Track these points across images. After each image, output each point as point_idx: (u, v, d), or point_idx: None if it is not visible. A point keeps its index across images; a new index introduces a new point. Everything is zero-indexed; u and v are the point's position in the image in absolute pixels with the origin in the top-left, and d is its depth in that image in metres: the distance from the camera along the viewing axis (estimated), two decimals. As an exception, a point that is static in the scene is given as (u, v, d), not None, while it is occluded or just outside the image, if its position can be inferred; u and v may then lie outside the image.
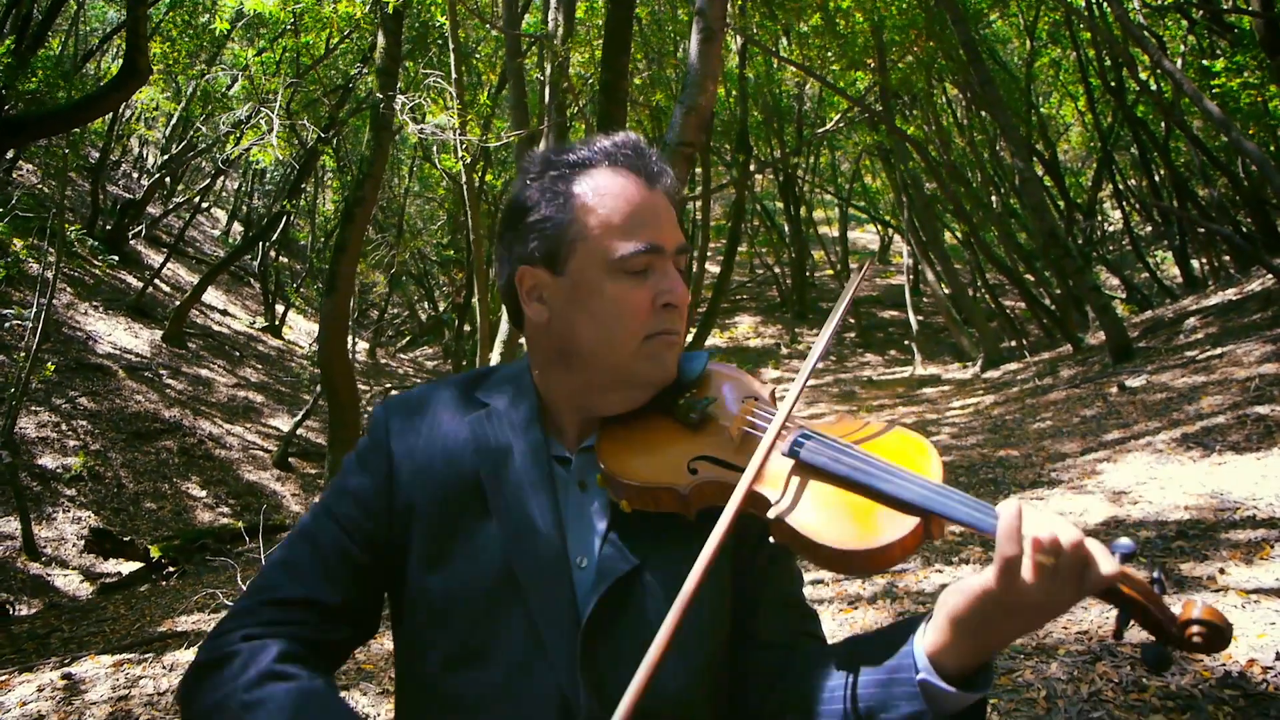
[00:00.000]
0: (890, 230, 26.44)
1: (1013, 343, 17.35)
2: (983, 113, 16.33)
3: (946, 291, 17.08)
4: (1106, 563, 0.78)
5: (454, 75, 7.88)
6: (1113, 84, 15.00)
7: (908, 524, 0.86)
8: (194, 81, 16.00)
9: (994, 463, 6.68)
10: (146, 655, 4.64)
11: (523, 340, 1.11)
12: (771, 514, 0.90)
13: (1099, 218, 21.55)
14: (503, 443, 1.02)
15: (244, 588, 5.53)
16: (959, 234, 19.89)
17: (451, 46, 7.97)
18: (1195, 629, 0.78)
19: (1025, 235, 18.51)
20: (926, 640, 0.85)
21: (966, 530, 4.60)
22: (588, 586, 0.96)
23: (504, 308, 1.10)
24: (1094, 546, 0.79)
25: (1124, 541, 0.81)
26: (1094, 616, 3.48)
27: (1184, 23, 14.64)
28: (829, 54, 14.45)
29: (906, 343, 19.18)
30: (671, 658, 0.89)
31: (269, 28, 15.47)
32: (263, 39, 16.38)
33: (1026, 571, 0.77)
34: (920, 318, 19.77)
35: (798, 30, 14.92)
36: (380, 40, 8.89)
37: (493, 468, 1.00)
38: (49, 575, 8.89)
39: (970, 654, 0.82)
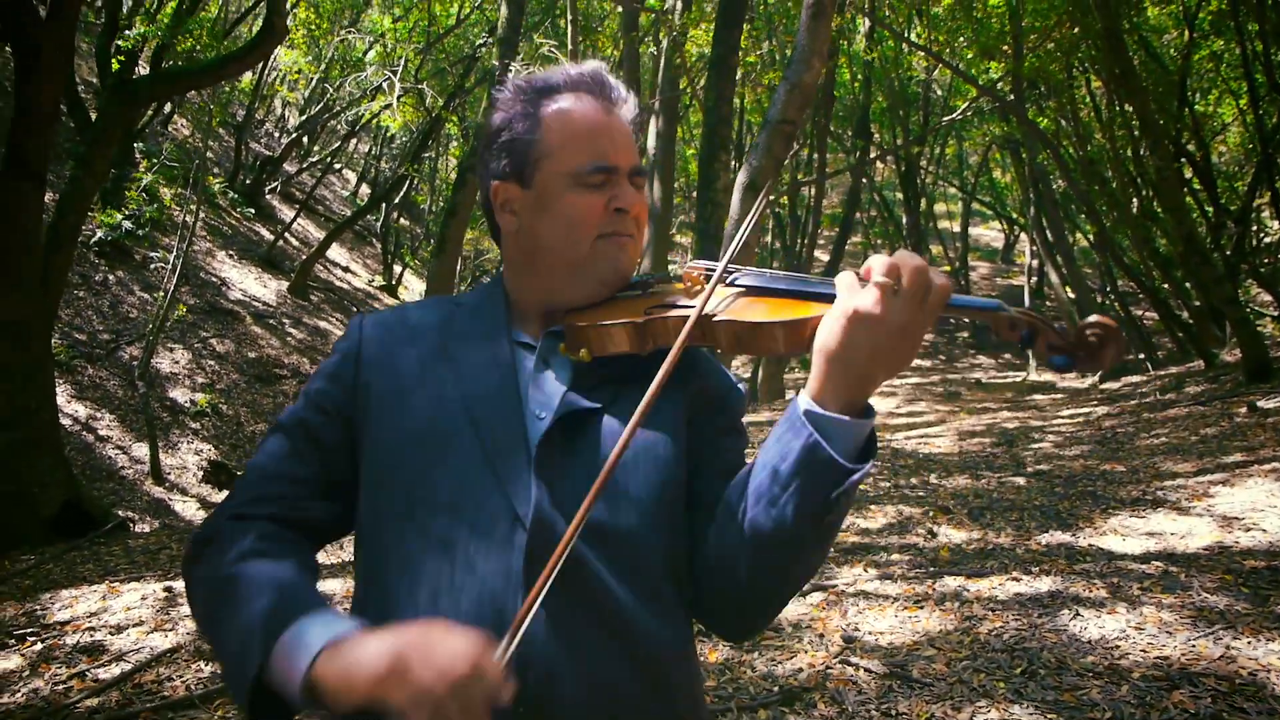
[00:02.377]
0: (1016, 228, 25.22)
1: (1140, 355, 16.31)
2: (1126, 107, 15.29)
3: (1071, 296, 16.20)
4: (940, 278, 0.87)
5: (569, 46, 7.95)
6: None
7: (826, 306, 0.95)
8: (333, 46, 16.74)
9: (1095, 475, 6.31)
10: (238, 579, 4.96)
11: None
12: (717, 318, 0.99)
13: (1254, 226, 19.89)
14: (468, 325, 1.12)
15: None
16: (1090, 236, 18.78)
17: (569, 17, 8.04)
18: (1091, 332, 0.86)
19: (1165, 241, 17.28)
20: (807, 389, 0.92)
21: (1052, 543, 4.35)
22: (544, 431, 1.02)
23: (488, 227, 1.21)
24: (920, 266, 0.87)
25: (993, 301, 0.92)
26: (1178, 643, 3.26)
27: (1370, 16, 13.26)
28: (961, 39, 13.82)
29: (1022, 348, 18.31)
30: (621, 484, 0.99)
31: (404, -3, 16.01)
32: (398, 6, 16.96)
33: (873, 292, 0.86)
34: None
35: (930, 13, 14.33)
36: (504, 11, 9.06)
37: (457, 341, 1.10)
38: (169, 500, 9.60)
39: (842, 387, 0.89)
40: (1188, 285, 15.06)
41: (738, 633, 1.09)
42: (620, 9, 13.82)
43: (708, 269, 1.12)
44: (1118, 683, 3.03)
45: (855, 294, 0.88)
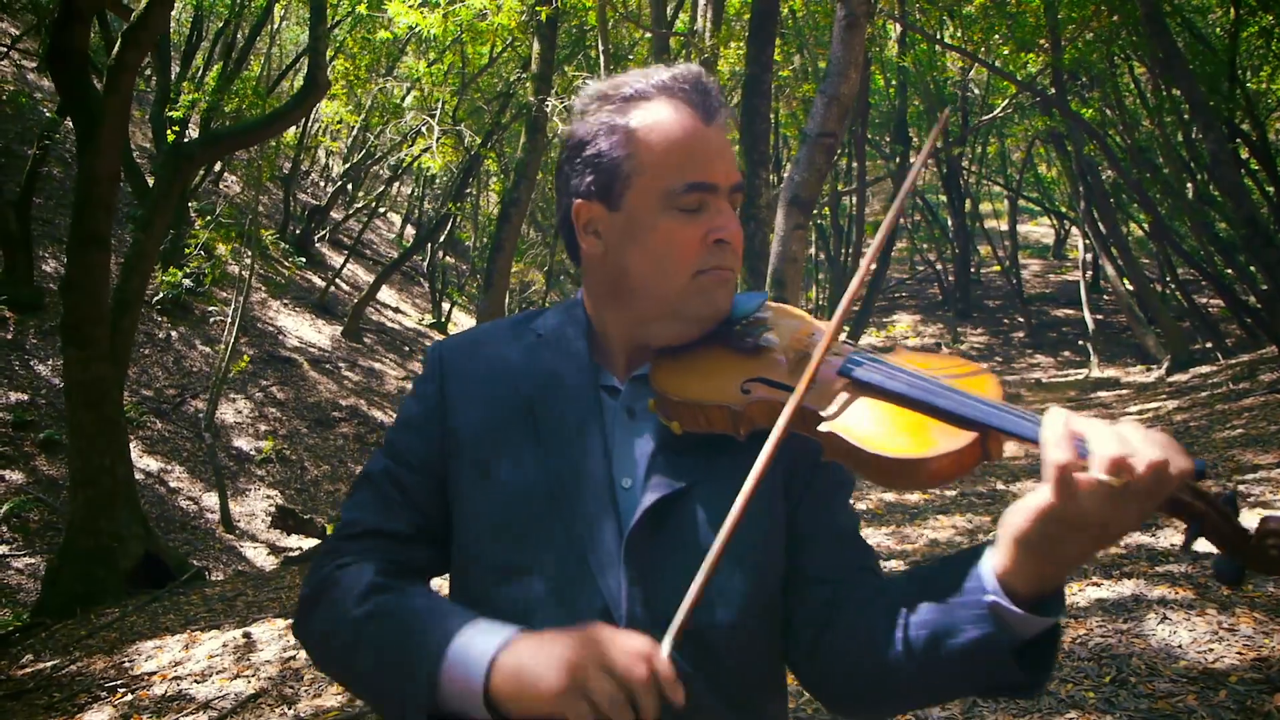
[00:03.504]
0: (1066, 223, 24.69)
1: (1207, 344, 15.76)
2: (1174, 91, 14.92)
3: (1129, 288, 15.76)
4: (1177, 465, 0.71)
5: (603, 76, 8.04)
6: (1333, 53, 13.32)
7: (964, 438, 0.83)
8: (372, 94, 17.21)
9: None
10: (312, 621, 5.05)
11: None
12: (824, 427, 0.89)
13: (1317, 204, 19.17)
14: (553, 366, 1.04)
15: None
16: (1145, 226, 18.28)
17: (601, 48, 8.16)
18: (1271, 541, 0.73)
19: (1225, 225, 16.75)
20: (994, 563, 0.81)
21: (1131, 545, 4.21)
22: (633, 505, 0.96)
23: (564, 246, 1.12)
24: (1155, 452, 0.71)
25: (1197, 461, 0.74)
26: (1276, 644, 3.12)
27: None
28: (996, 36, 13.65)
29: (1081, 343, 17.86)
30: (724, 579, 0.92)
31: (438, 41, 16.40)
32: (432, 50, 17.37)
33: (1085, 484, 0.72)
34: (1099, 317, 18.35)
35: (961, 13, 14.20)
36: (535, 46, 9.23)
37: (542, 389, 1.03)
38: (240, 546, 9.84)
39: (1038, 577, 0.78)
40: (1252, 269, 14.56)
41: (847, 715, 1.06)
42: (649, 35, 13.97)
43: (816, 338, 1.00)
44: (1214, 688, 2.91)
45: (1070, 494, 0.73)
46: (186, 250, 11.43)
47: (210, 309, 13.60)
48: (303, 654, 4.51)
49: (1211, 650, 3.16)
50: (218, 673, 4.33)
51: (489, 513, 0.99)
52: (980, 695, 0.87)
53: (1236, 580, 0.76)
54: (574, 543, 0.95)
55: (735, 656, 0.96)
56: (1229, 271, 15.53)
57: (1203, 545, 0.80)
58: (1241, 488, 5.28)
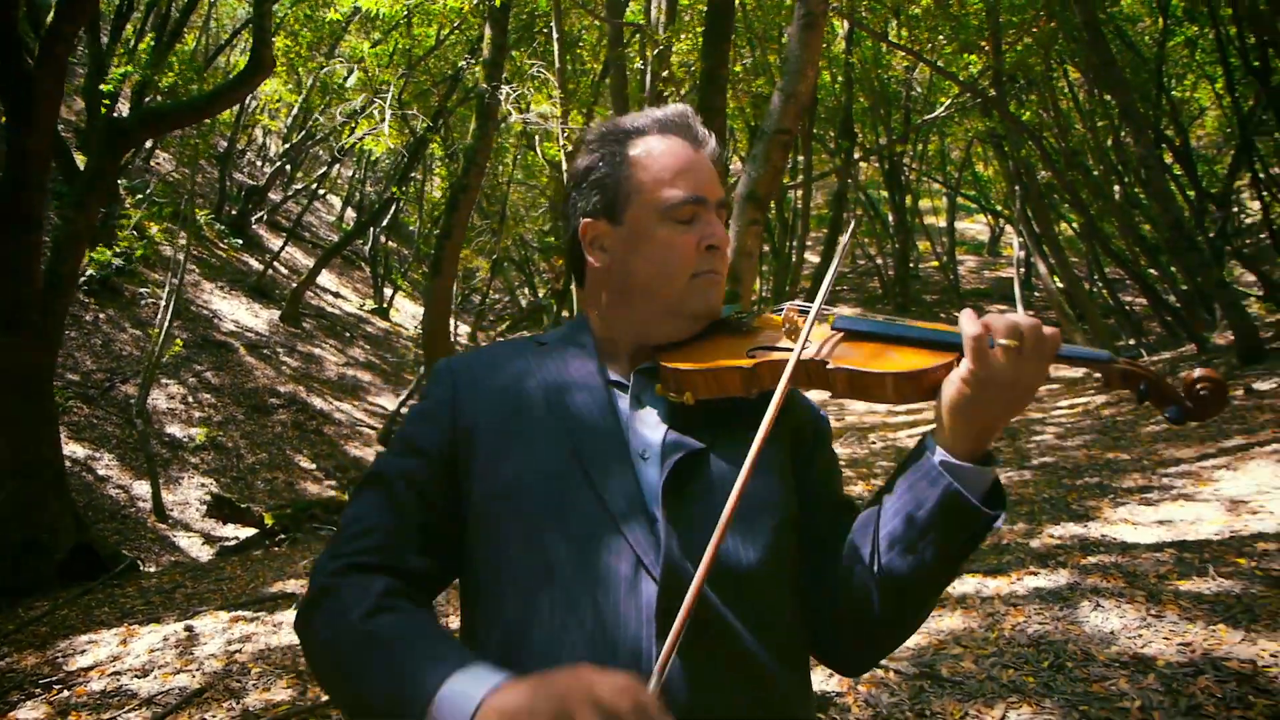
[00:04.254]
0: (1001, 221, 25.40)
1: (1131, 341, 16.42)
2: (1106, 96, 15.46)
3: (1060, 286, 16.32)
4: (1050, 330, 0.92)
5: (557, 65, 8.00)
6: (1255, 64, 13.92)
7: (947, 356, 0.99)
8: (313, 74, 16.77)
9: (1100, 465, 6.38)
10: (259, 613, 4.96)
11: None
12: (831, 366, 1.02)
13: (1235, 209, 20.08)
14: (562, 368, 1.13)
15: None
16: (1075, 226, 18.93)
17: (555, 36, 8.10)
18: (1200, 386, 0.92)
19: (1150, 227, 17.45)
20: (936, 439, 0.97)
21: (1065, 536, 4.39)
22: (654, 470, 1.03)
23: (567, 266, 1.24)
24: (1036, 325, 0.91)
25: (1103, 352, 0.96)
26: (1199, 629, 3.30)
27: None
28: (940, 37, 13.95)
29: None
30: (741, 529, 1.01)
31: (383, 21, 16.05)
32: (377, 31, 17.00)
33: (996, 352, 0.91)
34: (1031, 313, 18.90)
35: (908, 13, 14.47)
36: (487, 32, 9.11)
37: (553, 385, 1.10)
38: (174, 536, 9.56)
39: (969, 438, 0.95)
40: (1173, 270, 15.20)
41: (857, 668, 1.11)
42: (599, 23, 13.90)
43: (804, 309, 1.13)
44: (1144, 671, 3.07)
45: (983, 358, 0.91)
46: (117, 230, 11.00)
47: (141, 290, 13.13)
48: (249, 647, 4.43)
49: (1140, 636, 3.33)
50: (159, 667, 4.22)
51: (515, 482, 1.04)
52: (960, 554, 0.97)
53: (1181, 420, 0.94)
54: (598, 503, 1.00)
55: (760, 596, 1.01)
56: (1152, 271, 16.19)
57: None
58: (1165, 480, 5.55)
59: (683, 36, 10.19)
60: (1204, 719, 2.72)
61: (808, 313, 1.10)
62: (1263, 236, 19.13)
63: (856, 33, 16.48)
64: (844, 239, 1.33)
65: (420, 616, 0.99)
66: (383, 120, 9.07)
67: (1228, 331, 10.32)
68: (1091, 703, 2.92)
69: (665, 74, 8.22)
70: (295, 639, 4.52)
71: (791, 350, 1.03)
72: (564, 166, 8.77)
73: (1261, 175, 17.47)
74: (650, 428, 1.07)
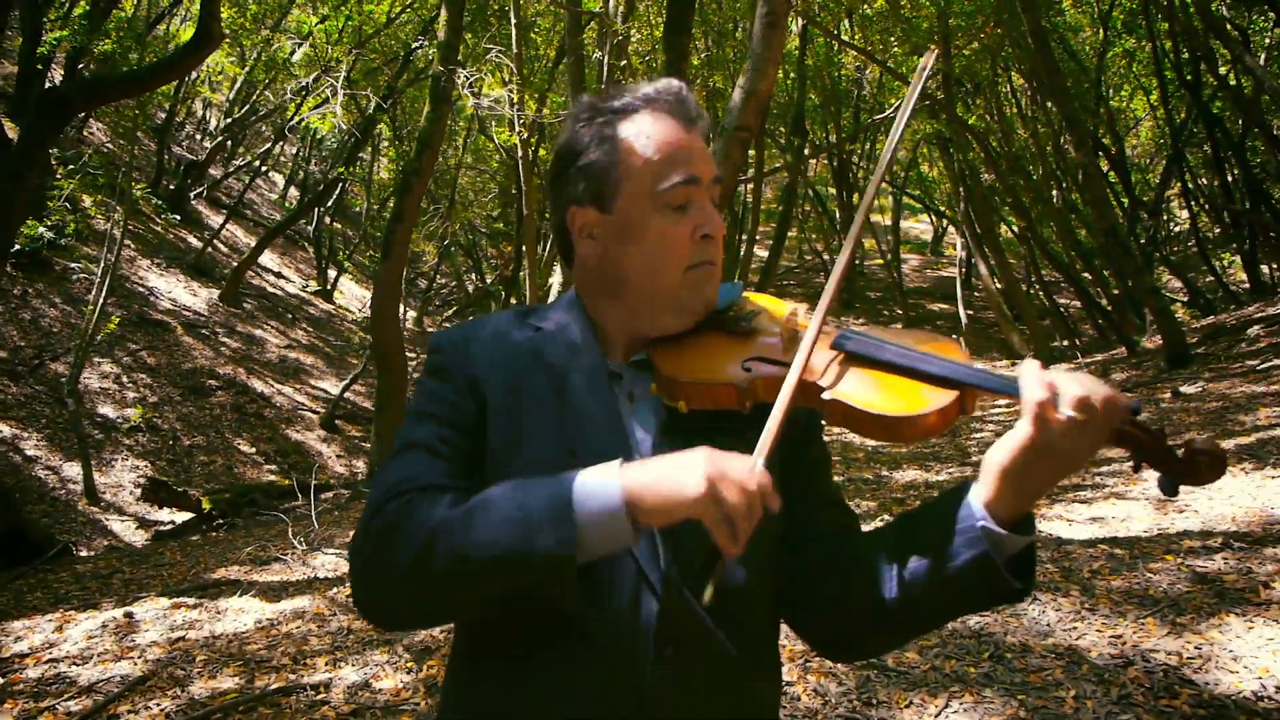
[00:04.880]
0: (944, 221, 25.97)
1: (1065, 342, 17.00)
2: (1048, 104, 15.93)
3: (999, 286, 16.78)
4: (1118, 402, 0.88)
5: (514, 50, 7.93)
6: (1189, 78, 14.51)
7: (947, 396, 0.97)
8: (258, 47, 16.29)
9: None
10: (201, 600, 4.86)
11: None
12: (826, 395, 1.00)
13: (1165, 217, 20.90)
14: (561, 353, 1.10)
15: (295, 542, 5.68)
16: (1015, 228, 19.49)
17: (513, 21, 8.02)
18: (1199, 458, 0.89)
19: (1085, 232, 18.08)
20: (979, 495, 0.94)
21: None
22: None
23: (557, 246, 1.19)
24: (1103, 391, 0.88)
25: (1134, 400, 0.91)
26: (1129, 622, 3.47)
27: (1270, 15, 14.08)
28: (891, 38, 14.20)
29: (955, 337, 18.90)
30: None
31: (333, -5, 15.68)
32: (326, 5, 16.58)
33: (1056, 419, 0.87)
34: (970, 312, 19.47)
35: (861, 13, 14.68)
36: (443, 13, 8.97)
37: (555, 372, 1.08)
38: (106, 520, 9.27)
39: (1015, 503, 0.92)
40: (1106, 274, 15.79)
41: (844, 659, 1.17)
42: (554, 9, 13.79)
43: (809, 313, 1.10)
44: (1078, 663, 3.22)
45: (1045, 426, 0.87)
46: (50, 202, 10.56)
47: (73, 265, 12.64)
48: (192, 634, 4.35)
49: (1075, 629, 3.49)
50: (98, 654, 4.11)
51: (523, 470, 1.02)
52: (978, 609, 1.01)
53: (1174, 491, 0.92)
54: None
55: (746, 610, 1.05)
56: (1086, 275, 16.78)
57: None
58: (1097, 479, 5.78)
59: (639, 28, 10.19)
60: (1133, 708, 2.86)
61: (811, 318, 1.07)
62: (1190, 245, 19.96)
63: (810, 30, 16.66)
64: (849, 244, 1.20)
65: (503, 482, 0.97)
66: (334, 99, 8.87)
67: (1157, 336, 10.75)
68: (1029, 692, 3.05)
69: (623, 64, 8.21)
70: (241, 626, 4.46)
71: (788, 366, 1.01)
72: (519, 153, 8.72)
73: (1190, 186, 18.23)
74: (644, 427, 1.07)
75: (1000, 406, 10.59)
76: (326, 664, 3.88)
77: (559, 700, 0.98)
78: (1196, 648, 3.20)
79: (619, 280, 1.09)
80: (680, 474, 0.88)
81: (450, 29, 8.77)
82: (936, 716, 2.96)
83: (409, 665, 3.80)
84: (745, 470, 0.89)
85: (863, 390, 1.00)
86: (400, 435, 1.08)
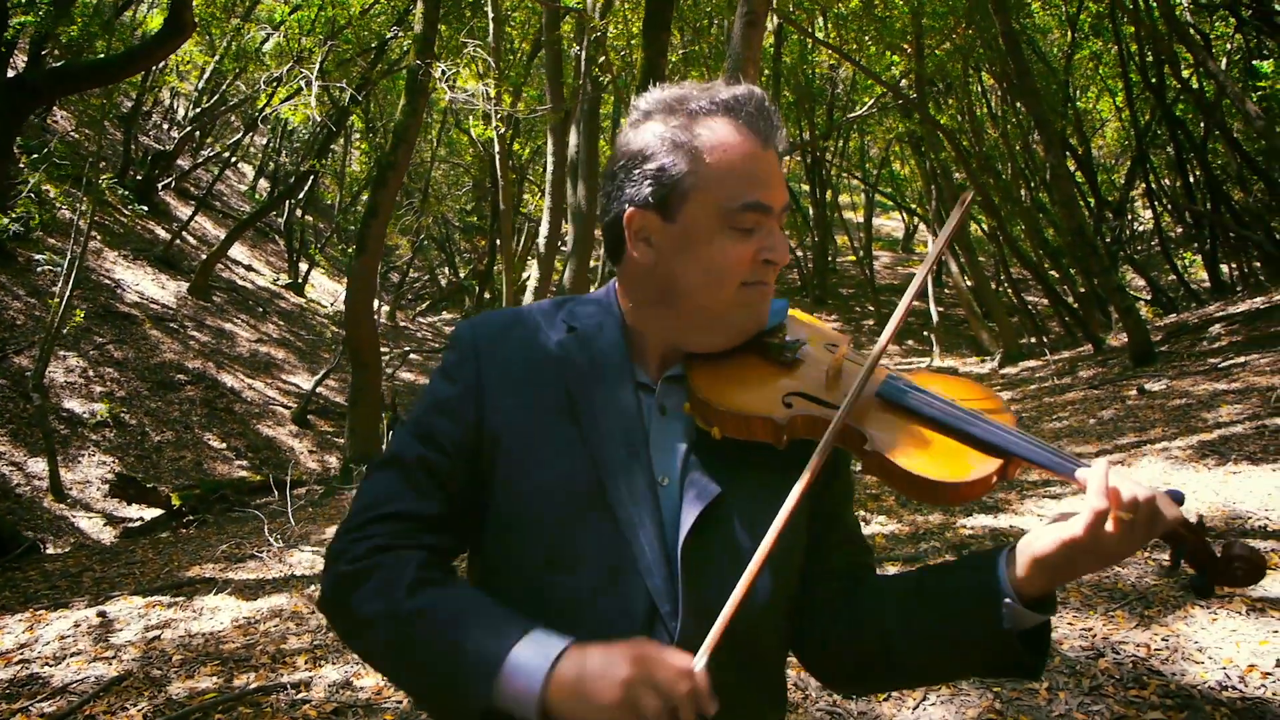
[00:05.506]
0: (915, 219, 26.24)
1: (1033, 339, 17.28)
2: (1017, 104, 16.17)
3: (969, 284, 17.02)
4: (1170, 513, 0.89)
5: (493, 45, 7.89)
6: (1153, 81, 14.80)
7: (991, 464, 0.95)
8: (228, 36, 16.05)
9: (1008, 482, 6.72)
10: (177, 599, 4.81)
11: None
12: (868, 446, 0.97)
13: (1129, 217, 21.31)
14: (590, 363, 1.06)
15: (271, 539, 5.63)
16: (985, 226, 19.76)
17: (491, 16, 7.98)
18: (1237, 564, 0.90)
19: (1052, 231, 18.39)
20: (1011, 573, 0.94)
21: (978, 527, 4.64)
22: (673, 503, 1.01)
23: (604, 240, 1.14)
24: (1161, 501, 0.88)
25: (1177, 491, 0.92)
26: (1099, 615, 3.56)
27: (1232, 21, 14.39)
28: (866, 37, 14.31)
29: (926, 333, 19.16)
30: (759, 580, 0.97)
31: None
32: (298, -4, 16.38)
33: (1110, 525, 0.87)
34: (941, 309, 19.70)
35: (835, 12, 14.78)
36: (419, 6, 8.91)
37: (580, 384, 1.05)
38: (73, 517, 9.12)
39: (1045, 587, 0.93)
40: (1073, 273, 16.09)
41: (844, 693, 1.19)
42: (529, 3, 13.73)
43: (854, 352, 1.08)
44: (1050, 655, 3.30)
45: (1098, 532, 0.87)
46: (13, 193, 10.33)
47: (37, 257, 12.38)
48: (168, 633, 4.31)
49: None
50: (72, 654, 4.07)
51: (535, 501, 1.02)
52: (987, 676, 1.01)
53: (1207, 595, 0.93)
54: (619, 537, 0.99)
55: (759, 640, 1.04)
56: (1053, 274, 17.06)
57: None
58: (1067, 475, 5.90)
59: (615, 24, 10.19)
60: (1104, 699, 2.94)
61: (858, 357, 1.05)
62: (1153, 244, 20.38)
63: (785, 28, 16.74)
64: (914, 285, 1.12)
65: (464, 587, 1.00)
66: (308, 91, 8.77)
67: (1122, 334, 10.97)
68: (1003, 685, 3.12)
69: (601, 59, 8.21)
70: (218, 624, 4.42)
71: (832, 408, 0.99)
72: (496, 149, 8.69)
73: (1154, 186, 18.60)
74: (672, 445, 1.04)
75: (971, 403, 10.74)
76: (306, 662, 3.86)
77: None
78: (1164, 639, 3.29)
79: (669, 290, 1.04)
80: (597, 680, 0.86)
81: (426, 22, 8.72)
82: (914, 710, 3.02)
83: (390, 662, 3.80)
84: (677, 673, 0.86)
85: (905, 447, 0.97)
86: (394, 439, 1.08)
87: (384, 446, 9.14)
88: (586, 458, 1.01)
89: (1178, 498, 0.91)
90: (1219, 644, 3.19)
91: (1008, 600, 0.92)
